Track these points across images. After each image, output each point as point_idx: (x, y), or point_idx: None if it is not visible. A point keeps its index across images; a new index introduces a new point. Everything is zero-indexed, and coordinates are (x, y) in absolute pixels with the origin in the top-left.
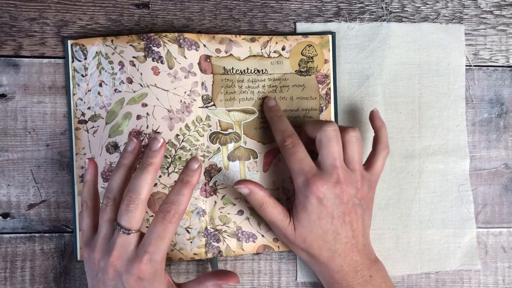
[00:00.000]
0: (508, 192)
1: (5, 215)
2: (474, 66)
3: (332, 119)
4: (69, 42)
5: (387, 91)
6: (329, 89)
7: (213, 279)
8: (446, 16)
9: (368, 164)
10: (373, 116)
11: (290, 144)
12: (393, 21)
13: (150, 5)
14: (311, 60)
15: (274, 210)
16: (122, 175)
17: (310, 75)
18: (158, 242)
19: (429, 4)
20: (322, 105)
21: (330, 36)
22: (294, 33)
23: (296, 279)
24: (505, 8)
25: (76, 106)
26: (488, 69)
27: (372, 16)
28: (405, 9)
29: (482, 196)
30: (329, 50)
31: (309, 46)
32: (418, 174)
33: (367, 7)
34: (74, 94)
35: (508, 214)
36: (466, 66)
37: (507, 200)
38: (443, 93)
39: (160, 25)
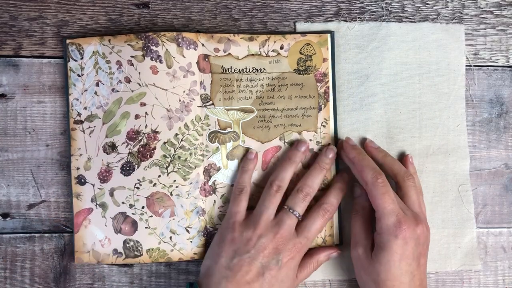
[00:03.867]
0: (508, 192)
1: (5, 215)
2: (474, 66)
3: (331, 117)
4: (67, 41)
5: (387, 91)
6: (328, 87)
7: (322, 251)
8: (446, 16)
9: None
10: (406, 163)
11: (382, 183)
12: (393, 21)
13: (150, 5)
14: (310, 58)
15: (365, 226)
16: (292, 169)
17: (309, 73)
18: (315, 232)
19: (429, 4)
20: (321, 104)
21: (328, 35)
22: (292, 32)
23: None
24: (505, 8)
25: (72, 106)
26: (488, 69)
27: (372, 16)
28: (405, 9)
29: (482, 196)
30: (327, 49)
31: (307, 45)
32: (418, 174)
33: (367, 7)
34: (70, 94)
35: (508, 214)
36: (466, 66)
37: (507, 200)
38: (443, 93)
39: (160, 25)
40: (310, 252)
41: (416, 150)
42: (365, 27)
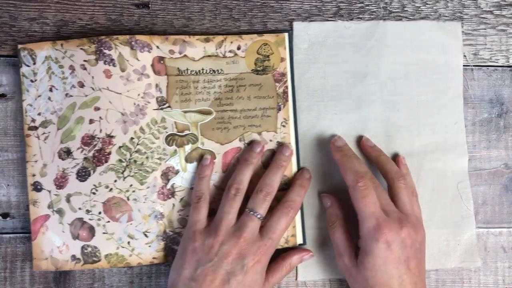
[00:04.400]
0: (508, 192)
1: (5, 215)
2: (474, 66)
3: (291, 117)
4: (18, 46)
5: (384, 89)
6: (287, 87)
7: (295, 254)
8: (446, 16)
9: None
10: (399, 162)
11: (363, 186)
12: (393, 20)
13: (150, 5)
14: (267, 58)
15: (343, 235)
16: (250, 171)
17: (267, 74)
18: (279, 231)
19: (429, 4)
20: (280, 104)
21: (286, 34)
22: (249, 32)
23: (296, 279)
24: (505, 8)
25: (26, 112)
26: (488, 69)
27: (372, 16)
28: (405, 9)
29: (482, 196)
30: (285, 49)
31: (264, 45)
32: (417, 172)
33: (367, 7)
34: (23, 100)
35: (508, 214)
36: (465, 66)
37: (507, 200)
38: (441, 91)
39: (160, 25)
40: (283, 256)
41: (414, 148)
42: (362, 26)
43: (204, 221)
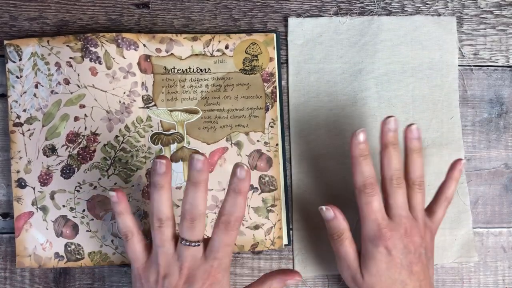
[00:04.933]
0: (508, 192)
1: (5, 215)
2: (474, 66)
3: (279, 117)
4: (4, 42)
5: (380, 84)
6: (275, 87)
7: (276, 276)
8: (446, 16)
9: (429, 211)
10: (454, 166)
11: (370, 192)
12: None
13: (150, 5)
14: (256, 58)
15: (351, 247)
16: (167, 196)
17: (255, 73)
18: (225, 248)
19: (428, 4)
20: (268, 104)
21: (274, 34)
22: (237, 31)
23: None
24: (505, 8)
25: (11, 108)
26: (488, 69)
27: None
28: (405, 9)
29: (482, 196)
30: (274, 48)
31: (253, 44)
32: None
33: (367, 7)
34: (8, 96)
35: (508, 214)
36: (465, 66)
37: (507, 200)
38: (437, 86)
39: (160, 25)
40: (263, 277)
41: None
42: (356, 22)
43: (142, 256)
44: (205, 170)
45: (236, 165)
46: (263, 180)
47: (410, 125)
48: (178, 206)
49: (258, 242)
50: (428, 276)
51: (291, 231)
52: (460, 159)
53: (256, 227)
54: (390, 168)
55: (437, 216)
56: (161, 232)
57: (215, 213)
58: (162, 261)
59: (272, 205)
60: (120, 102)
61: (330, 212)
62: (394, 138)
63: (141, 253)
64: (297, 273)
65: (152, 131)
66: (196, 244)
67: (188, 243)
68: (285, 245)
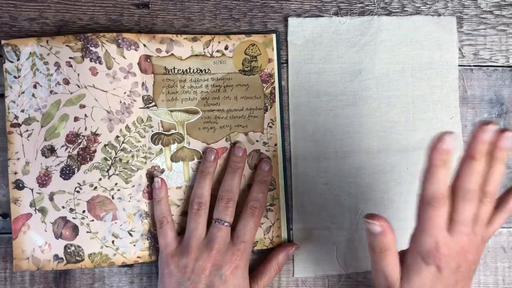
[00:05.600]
0: None
1: (5, 215)
2: (474, 66)
3: (278, 118)
4: (1, 42)
5: (380, 85)
6: (274, 88)
7: (280, 252)
8: (446, 16)
9: (488, 221)
10: None
11: (438, 207)
12: (387, 15)
13: (150, 5)
14: (255, 59)
15: (394, 260)
16: (209, 182)
17: (254, 74)
18: (250, 232)
19: (428, 4)
20: (267, 105)
21: (274, 35)
22: (237, 32)
23: (293, 275)
24: (505, 8)
25: (9, 109)
26: (488, 69)
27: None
28: (405, 9)
29: None
30: (273, 49)
31: (252, 45)
32: (413, 168)
33: (367, 7)
34: (6, 97)
35: None
36: (465, 66)
37: None
38: (437, 86)
39: (160, 25)
40: (269, 257)
41: (410, 144)
42: (356, 22)
43: (174, 242)
44: (244, 158)
45: (263, 161)
46: None
47: (504, 130)
48: (179, 205)
49: (257, 241)
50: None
51: (291, 231)
52: None
53: None
54: (470, 181)
55: (494, 228)
56: (198, 215)
57: None
58: (194, 244)
59: (271, 205)
60: (120, 102)
61: (377, 227)
62: (487, 149)
63: (173, 239)
64: (294, 244)
65: (153, 131)
66: (228, 224)
67: (221, 222)
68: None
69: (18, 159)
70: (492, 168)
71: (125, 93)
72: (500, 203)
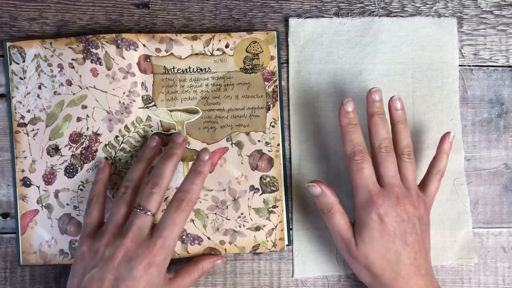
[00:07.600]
0: (508, 192)
1: (5, 215)
2: (474, 66)
3: (279, 117)
4: (7, 44)
5: (380, 86)
6: (276, 86)
7: (205, 259)
8: (446, 16)
9: (422, 185)
10: (444, 139)
11: (360, 159)
12: (388, 16)
13: (150, 5)
14: (257, 57)
15: (342, 219)
16: (142, 167)
17: (256, 72)
18: (172, 227)
19: (429, 4)
20: (269, 103)
21: (275, 32)
22: (238, 29)
23: (293, 276)
24: (505, 8)
25: (15, 109)
26: (488, 69)
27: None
28: (405, 9)
29: (482, 196)
30: (275, 46)
31: (254, 43)
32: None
33: (367, 7)
34: (13, 97)
35: (508, 214)
36: (465, 66)
37: (507, 200)
38: (437, 87)
39: (160, 25)
40: (196, 259)
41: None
42: (357, 22)
43: (96, 224)
44: (183, 146)
45: (202, 150)
46: (264, 181)
47: (393, 96)
48: None
49: (259, 244)
50: (424, 249)
51: (291, 232)
52: (448, 132)
53: (257, 228)
54: (378, 137)
55: (430, 190)
56: (122, 198)
57: (215, 213)
58: (111, 229)
59: (274, 206)
60: (119, 102)
61: (317, 189)
62: (380, 108)
63: (95, 220)
64: (222, 257)
65: (152, 131)
66: (150, 213)
67: (142, 210)
68: (286, 245)
69: (25, 157)
70: (395, 128)
71: (124, 93)
72: (429, 167)
